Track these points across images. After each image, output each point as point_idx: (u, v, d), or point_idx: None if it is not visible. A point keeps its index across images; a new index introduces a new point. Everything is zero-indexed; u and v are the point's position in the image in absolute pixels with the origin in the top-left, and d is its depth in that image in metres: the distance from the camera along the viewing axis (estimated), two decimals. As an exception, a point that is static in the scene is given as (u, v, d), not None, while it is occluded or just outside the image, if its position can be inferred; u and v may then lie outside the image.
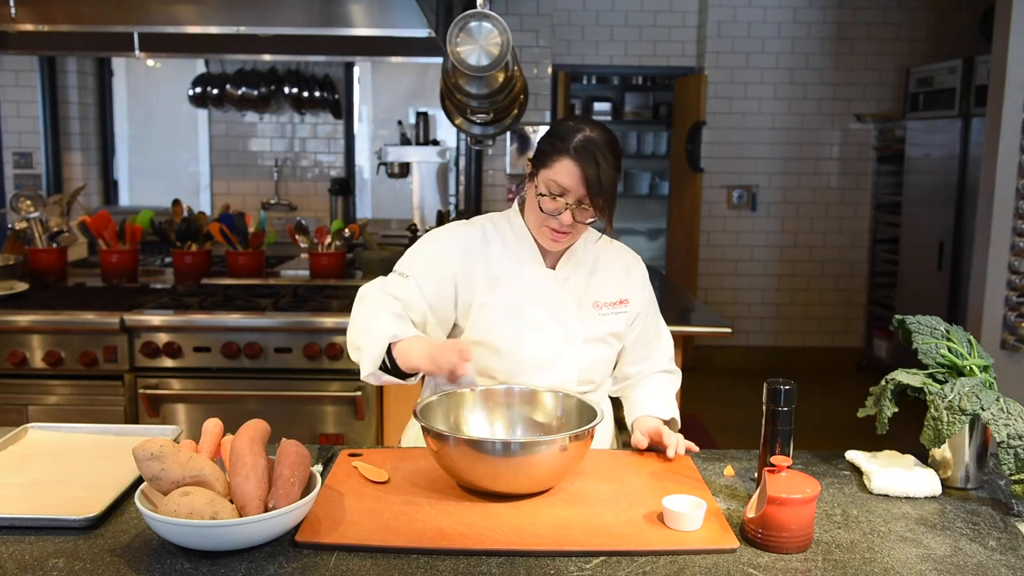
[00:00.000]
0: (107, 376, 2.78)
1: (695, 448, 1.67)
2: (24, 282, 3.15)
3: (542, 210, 1.63)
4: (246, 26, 3.08)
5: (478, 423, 1.63)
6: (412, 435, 1.88)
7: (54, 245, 3.34)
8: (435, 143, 4.91)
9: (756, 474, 1.56)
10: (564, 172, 1.60)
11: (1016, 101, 3.67)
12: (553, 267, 1.73)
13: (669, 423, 1.78)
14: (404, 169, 4.77)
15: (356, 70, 5.54)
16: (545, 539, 1.30)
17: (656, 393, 1.82)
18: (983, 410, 1.49)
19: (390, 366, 1.58)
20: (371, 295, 1.69)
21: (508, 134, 5.58)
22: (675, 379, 1.89)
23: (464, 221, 1.80)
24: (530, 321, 1.70)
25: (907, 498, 1.51)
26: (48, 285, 3.23)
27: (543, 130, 4.17)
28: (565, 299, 1.72)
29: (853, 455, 1.66)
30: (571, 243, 1.71)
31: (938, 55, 5.89)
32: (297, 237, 3.42)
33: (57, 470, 1.54)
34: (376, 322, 1.59)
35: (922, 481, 1.52)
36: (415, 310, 1.67)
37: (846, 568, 1.25)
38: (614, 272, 1.78)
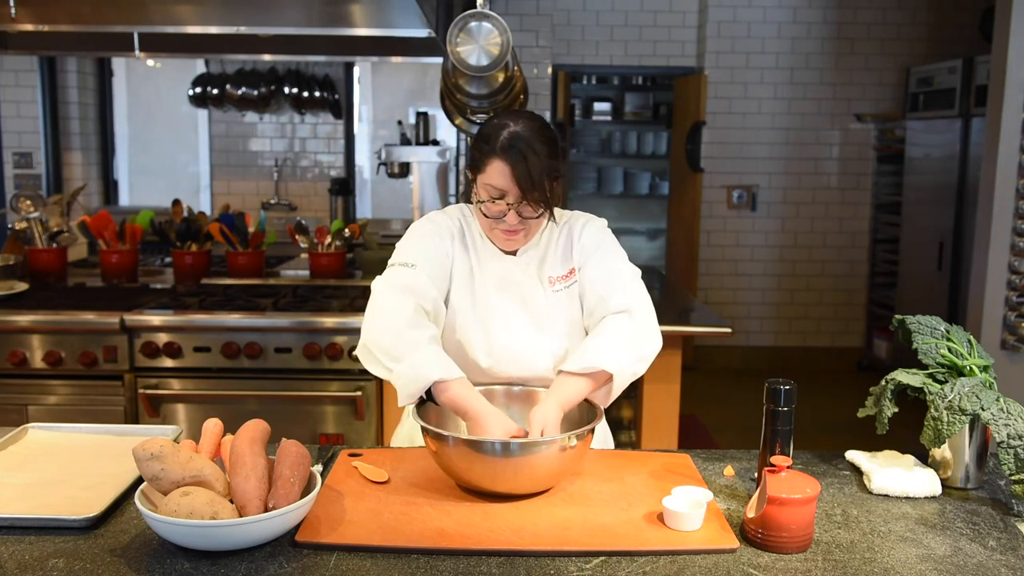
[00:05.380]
0: (107, 376, 2.78)
1: (547, 435, 1.48)
2: (24, 282, 3.15)
3: (487, 216, 1.62)
4: (246, 26, 3.08)
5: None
6: (404, 434, 1.88)
7: (54, 245, 3.34)
8: (435, 143, 4.90)
9: (756, 474, 1.56)
10: (496, 174, 1.58)
11: (1016, 101, 3.67)
12: (514, 254, 1.73)
13: (595, 374, 1.58)
14: (404, 169, 4.75)
15: (356, 70, 5.53)
16: (545, 539, 1.30)
17: (586, 343, 1.64)
18: (983, 410, 1.48)
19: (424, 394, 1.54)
20: (393, 303, 1.59)
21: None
22: (623, 318, 1.66)
23: (440, 211, 1.79)
24: (499, 311, 1.70)
25: (907, 498, 1.51)
26: (48, 285, 3.23)
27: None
28: (529, 285, 1.72)
29: (853, 455, 1.66)
30: (528, 239, 1.70)
31: (938, 55, 5.89)
32: (297, 237, 3.42)
33: (57, 470, 1.54)
34: (415, 353, 1.51)
35: (922, 481, 1.52)
36: (427, 298, 1.63)
37: (846, 568, 1.25)
38: (559, 246, 1.75)
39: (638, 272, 1.75)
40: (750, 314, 6.28)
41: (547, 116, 5.91)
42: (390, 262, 1.70)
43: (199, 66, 5.37)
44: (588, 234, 1.75)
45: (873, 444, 1.77)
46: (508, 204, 1.60)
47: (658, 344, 1.69)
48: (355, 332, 2.57)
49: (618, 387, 1.63)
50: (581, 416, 1.59)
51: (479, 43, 2.24)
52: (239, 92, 5.17)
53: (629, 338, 1.64)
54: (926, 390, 1.57)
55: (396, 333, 1.55)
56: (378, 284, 1.66)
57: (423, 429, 1.46)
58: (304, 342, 2.77)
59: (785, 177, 6.18)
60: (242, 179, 5.63)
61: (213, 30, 3.14)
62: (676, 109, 6.49)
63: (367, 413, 2.82)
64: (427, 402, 1.54)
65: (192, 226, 3.40)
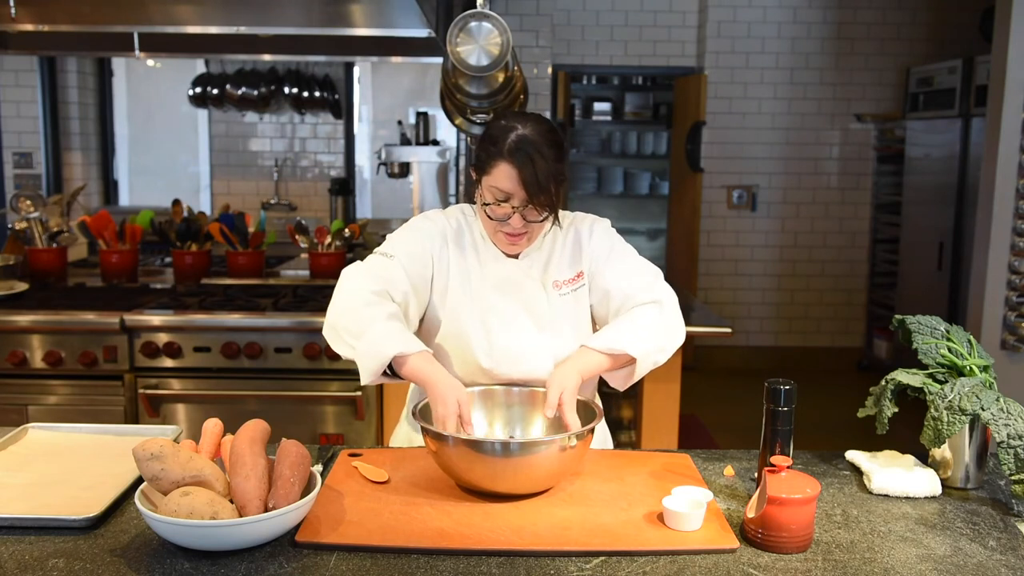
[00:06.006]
0: (107, 376, 2.78)
1: (564, 419, 1.50)
2: (24, 282, 3.15)
3: (491, 218, 1.62)
4: (246, 26, 3.08)
5: (477, 423, 1.63)
6: (402, 435, 1.88)
7: (54, 245, 3.34)
8: (435, 143, 4.90)
9: (756, 474, 1.56)
10: (503, 177, 1.57)
11: (1016, 101, 3.67)
12: (516, 256, 1.73)
13: (617, 356, 1.61)
14: (404, 169, 4.76)
15: (356, 70, 5.53)
16: (545, 539, 1.30)
17: (612, 325, 1.66)
18: (983, 410, 1.49)
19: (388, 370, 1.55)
20: (358, 284, 1.63)
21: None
22: (652, 309, 1.67)
23: (440, 210, 1.79)
24: (500, 312, 1.70)
25: (907, 498, 1.51)
26: (48, 285, 3.23)
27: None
28: (531, 287, 1.71)
29: (853, 455, 1.66)
30: (531, 243, 1.70)
31: (938, 55, 5.89)
32: (297, 237, 3.42)
33: (57, 470, 1.54)
34: (373, 329, 1.53)
35: (922, 481, 1.52)
36: (398, 290, 1.64)
37: (846, 568, 1.25)
38: (566, 249, 1.75)
39: (659, 271, 1.77)
40: (750, 314, 6.28)
41: (547, 116, 5.90)
42: (374, 250, 1.71)
43: (199, 66, 5.37)
44: (597, 237, 1.75)
45: (873, 444, 1.77)
46: (513, 207, 1.59)
47: (681, 338, 1.71)
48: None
49: (639, 373, 1.64)
50: (581, 416, 1.58)
51: (479, 43, 2.24)
52: (239, 92, 5.17)
53: (657, 327, 1.66)
54: (926, 390, 1.57)
55: (355, 311, 1.57)
56: (349, 268, 1.68)
57: (423, 429, 1.46)
58: (304, 342, 2.77)
59: (785, 177, 6.18)
60: (242, 179, 5.63)
61: (213, 30, 3.14)
62: (676, 109, 6.49)
63: (367, 413, 2.82)
64: (425, 404, 1.54)
65: (192, 226, 3.40)
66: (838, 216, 6.22)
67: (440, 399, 1.48)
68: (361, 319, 1.56)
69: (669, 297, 1.71)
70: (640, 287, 1.70)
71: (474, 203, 1.73)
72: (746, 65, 6.04)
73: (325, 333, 1.63)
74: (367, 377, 1.54)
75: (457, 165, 5.15)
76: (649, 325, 1.65)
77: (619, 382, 1.69)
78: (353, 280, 1.65)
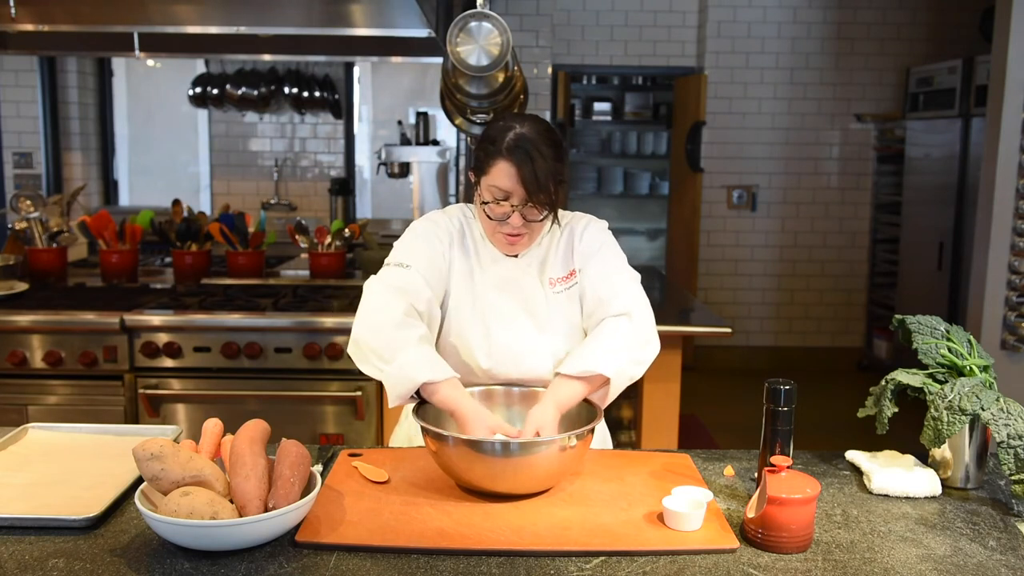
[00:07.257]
0: (107, 376, 2.78)
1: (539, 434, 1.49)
2: (24, 282, 3.15)
3: (490, 218, 1.62)
4: (246, 26, 3.08)
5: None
6: (402, 435, 1.88)
7: (54, 245, 3.34)
8: (435, 143, 4.90)
9: (756, 474, 1.56)
10: (502, 175, 1.58)
11: (1016, 101, 3.67)
12: (515, 256, 1.73)
13: (591, 378, 1.58)
14: (404, 169, 4.76)
15: (356, 70, 5.53)
16: (545, 539, 1.30)
17: (583, 346, 1.64)
18: (983, 410, 1.49)
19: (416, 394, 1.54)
20: (385, 302, 1.60)
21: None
22: (622, 321, 1.66)
23: (441, 211, 1.79)
24: (500, 312, 1.70)
25: (907, 498, 1.51)
26: (48, 285, 3.23)
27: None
28: (530, 286, 1.72)
29: (853, 455, 1.66)
30: (530, 244, 1.70)
31: (938, 55, 5.89)
32: (297, 237, 3.42)
33: (57, 470, 1.54)
34: (404, 353, 1.52)
35: (922, 481, 1.52)
36: (421, 299, 1.63)
37: (846, 568, 1.25)
38: (561, 248, 1.75)
39: (637, 276, 1.76)
40: (750, 314, 6.28)
41: (547, 116, 5.91)
42: (386, 261, 1.70)
43: (199, 66, 5.37)
44: (589, 236, 1.75)
45: (873, 444, 1.77)
46: (512, 206, 1.60)
47: (656, 348, 1.70)
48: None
49: (615, 390, 1.63)
50: (581, 416, 1.58)
51: (479, 43, 2.24)
52: (239, 92, 5.17)
53: (627, 342, 1.64)
54: (926, 390, 1.57)
55: (385, 333, 1.56)
56: (371, 283, 1.66)
57: (423, 429, 1.46)
58: (304, 342, 2.77)
59: (785, 177, 6.18)
60: (242, 179, 5.63)
61: (213, 30, 3.14)
62: (676, 109, 6.49)
63: (367, 413, 2.82)
64: (424, 403, 1.55)
65: (192, 226, 3.40)
66: (838, 216, 6.22)
67: (470, 430, 1.48)
68: (391, 342, 1.54)
69: (640, 308, 1.70)
70: (614, 294, 1.69)
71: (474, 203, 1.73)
72: (746, 65, 6.04)
73: (350, 351, 1.61)
74: (395, 401, 1.54)
75: (457, 165, 5.15)
76: (620, 339, 1.64)
77: (597, 402, 1.65)
78: (379, 297, 1.62)
